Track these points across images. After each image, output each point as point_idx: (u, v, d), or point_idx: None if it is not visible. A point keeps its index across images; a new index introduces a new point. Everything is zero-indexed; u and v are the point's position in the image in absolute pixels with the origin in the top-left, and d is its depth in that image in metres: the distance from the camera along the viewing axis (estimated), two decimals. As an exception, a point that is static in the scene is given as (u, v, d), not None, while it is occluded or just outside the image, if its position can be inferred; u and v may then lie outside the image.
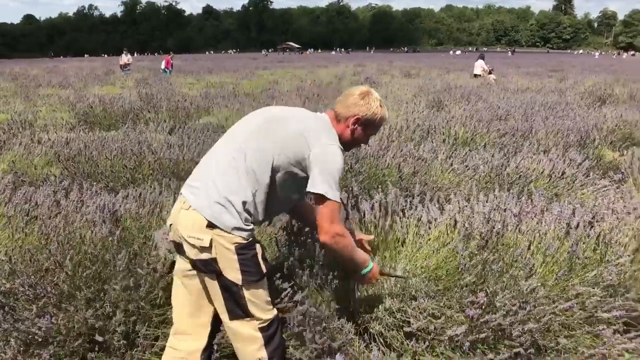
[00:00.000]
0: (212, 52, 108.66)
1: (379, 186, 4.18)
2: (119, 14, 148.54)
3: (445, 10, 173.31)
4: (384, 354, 2.72)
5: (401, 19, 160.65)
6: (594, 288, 2.72)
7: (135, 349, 2.69)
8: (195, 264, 2.19)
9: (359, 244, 2.63)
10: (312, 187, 2.16)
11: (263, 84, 17.95)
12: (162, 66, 26.08)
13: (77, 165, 5.22)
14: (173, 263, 3.20)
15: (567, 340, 2.61)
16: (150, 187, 3.92)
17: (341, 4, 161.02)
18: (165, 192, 3.88)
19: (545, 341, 2.62)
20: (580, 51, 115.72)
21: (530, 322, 2.48)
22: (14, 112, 9.80)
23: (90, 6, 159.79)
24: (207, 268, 2.17)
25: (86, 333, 2.64)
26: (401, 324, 2.80)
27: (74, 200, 3.50)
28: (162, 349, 2.69)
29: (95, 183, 5.04)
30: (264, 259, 2.24)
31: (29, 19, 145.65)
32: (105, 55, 78.38)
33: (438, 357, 2.62)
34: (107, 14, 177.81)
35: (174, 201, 3.87)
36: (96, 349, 2.59)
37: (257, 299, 2.21)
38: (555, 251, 2.81)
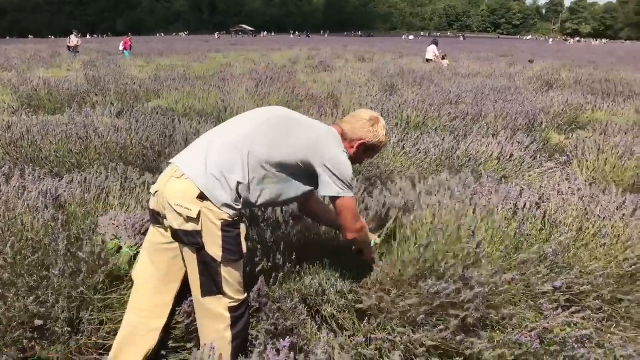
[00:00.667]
0: (163, 34, 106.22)
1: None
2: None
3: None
4: (336, 335, 2.73)
5: (355, 2, 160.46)
6: (538, 265, 2.80)
7: (80, 335, 2.61)
8: (177, 234, 2.17)
9: None
10: (329, 191, 2.26)
11: (215, 67, 17.63)
12: (120, 48, 25.67)
13: (19, 150, 5.01)
14: (119, 249, 3.15)
15: (511, 312, 2.68)
16: (97, 172, 3.79)
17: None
18: (111, 176, 3.76)
19: (491, 314, 2.67)
20: (529, 37, 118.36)
21: (477, 287, 2.51)
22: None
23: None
24: (188, 239, 2.15)
25: (27, 322, 2.55)
26: (353, 304, 2.82)
27: (15, 186, 3.35)
28: (109, 332, 2.64)
29: (38, 168, 4.90)
30: (246, 239, 2.26)
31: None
32: (52, 37, 75.48)
33: (390, 334, 2.64)
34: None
35: (121, 186, 3.81)
36: (38, 336, 2.50)
37: (231, 278, 2.21)
38: (503, 231, 2.86)
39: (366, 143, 2.44)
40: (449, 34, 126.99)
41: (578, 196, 3.31)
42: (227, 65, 18.54)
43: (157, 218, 2.27)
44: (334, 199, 2.30)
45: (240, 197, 2.18)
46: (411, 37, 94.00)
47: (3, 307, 2.50)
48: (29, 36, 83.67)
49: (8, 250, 2.72)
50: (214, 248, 2.14)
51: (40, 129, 5.35)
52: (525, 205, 3.13)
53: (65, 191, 3.33)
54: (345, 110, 7.29)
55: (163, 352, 2.52)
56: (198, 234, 2.12)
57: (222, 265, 2.15)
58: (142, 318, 2.35)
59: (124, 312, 2.52)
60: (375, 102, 8.42)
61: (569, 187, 3.42)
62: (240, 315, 2.27)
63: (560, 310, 2.67)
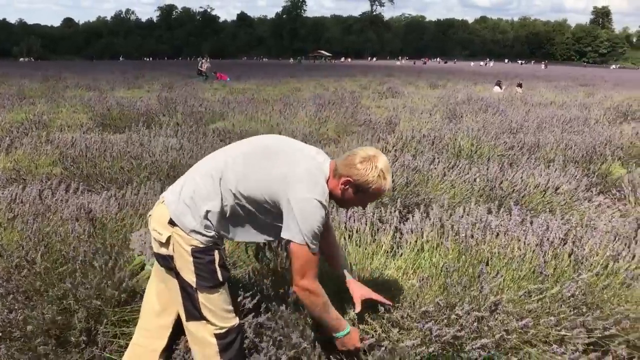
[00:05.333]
0: (245, 58, 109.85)
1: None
2: (155, 19, 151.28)
3: (479, 22, 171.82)
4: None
5: (434, 29, 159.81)
6: (558, 305, 2.68)
7: (95, 346, 2.73)
8: (157, 258, 2.25)
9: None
10: (285, 231, 2.13)
11: (285, 91, 18.05)
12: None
13: (77, 166, 5.32)
14: (144, 266, 3.28)
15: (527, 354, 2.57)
16: (136, 188, 3.98)
17: (374, 13, 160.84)
18: (149, 193, 3.93)
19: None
20: (614, 66, 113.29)
21: (484, 338, 2.44)
22: (35, 113, 10.01)
23: (127, 10, 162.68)
24: (165, 264, 2.21)
25: (48, 329, 2.69)
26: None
27: (56, 200, 3.57)
28: (120, 347, 2.75)
29: (93, 184, 5.18)
30: (222, 266, 2.22)
31: (68, 22, 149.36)
32: (150, 59, 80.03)
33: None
34: (144, 18, 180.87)
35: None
36: (56, 344, 2.64)
37: (211, 305, 2.20)
38: (519, 267, 2.76)
39: (352, 182, 2.18)
40: (532, 62, 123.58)
41: (612, 234, 3.14)
42: (297, 89, 18.92)
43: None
44: (288, 242, 2.14)
45: (212, 224, 2.15)
46: (491, 63, 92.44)
47: (31, 314, 2.65)
48: (120, 58, 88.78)
49: (39, 259, 2.91)
50: (188, 274, 2.16)
51: (99, 146, 5.66)
52: (551, 242, 3.00)
53: (101, 206, 3.49)
54: (399, 136, 7.25)
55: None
56: (171, 258, 2.16)
57: (197, 291, 2.17)
58: (146, 338, 2.41)
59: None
60: (435, 128, 8.35)
61: (605, 224, 3.25)
62: (230, 342, 2.24)
63: (577, 354, 2.54)
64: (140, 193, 3.93)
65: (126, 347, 2.54)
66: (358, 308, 2.53)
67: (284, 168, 2.15)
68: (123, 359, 2.48)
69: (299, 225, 2.07)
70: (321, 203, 2.12)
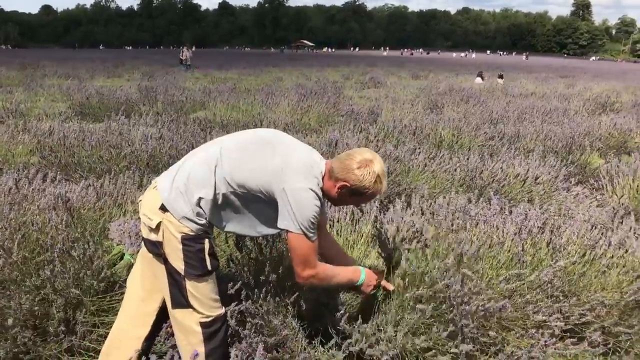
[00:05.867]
0: (227, 47, 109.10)
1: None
2: (135, 7, 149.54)
3: (461, 13, 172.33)
4: (328, 351, 2.71)
5: (417, 20, 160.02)
6: (536, 292, 2.71)
7: (74, 336, 2.70)
8: (146, 244, 2.22)
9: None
10: (282, 222, 2.14)
11: (267, 81, 17.97)
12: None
13: (55, 155, 5.24)
14: (123, 255, 3.25)
15: (504, 339, 2.61)
16: (114, 177, 3.93)
17: (357, 3, 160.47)
18: (128, 182, 3.89)
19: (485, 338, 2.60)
20: (594, 58, 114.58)
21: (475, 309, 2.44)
22: (12, 101, 9.84)
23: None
24: (153, 249, 2.19)
25: (26, 319, 2.65)
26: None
27: (33, 189, 3.52)
28: (100, 336, 2.73)
29: (71, 173, 5.12)
30: (212, 255, 2.21)
31: (46, 9, 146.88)
32: (131, 48, 79.14)
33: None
34: (124, 6, 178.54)
35: (139, 192, 3.94)
36: (34, 334, 2.60)
37: (198, 293, 2.19)
38: (498, 254, 2.79)
39: (349, 186, 2.20)
40: (513, 53, 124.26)
41: (590, 224, 3.18)
42: (279, 79, 18.84)
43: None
44: (286, 232, 2.16)
45: (204, 212, 2.14)
46: (474, 55, 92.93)
47: (8, 304, 2.62)
48: (100, 46, 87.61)
49: (15, 248, 2.86)
50: (177, 261, 2.14)
51: (77, 135, 5.58)
52: (530, 230, 3.03)
53: (79, 195, 3.45)
54: (381, 127, 7.27)
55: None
56: (160, 244, 2.14)
57: (185, 279, 2.16)
58: (129, 324, 2.38)
59: (115, 318, 2.59)
60: (415, 119, 8.37)
61: (582, 214, 3.29)
62: (215, 331, 2.24)
63: (553, 340, 2.58)
64: (119, 182, 3.89)
65: (106, 336, 2.51)
66: (391, 287, 2.61)
67: (279, 159, 2.15)
68: (104, 345, 2.44)
69: (295, 215, 2.09)
70: (316, 193, 2.14)
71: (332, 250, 2.60)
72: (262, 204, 2.19)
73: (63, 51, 56.38)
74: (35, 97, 11.66)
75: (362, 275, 2.43)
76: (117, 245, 3.30)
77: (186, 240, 2.12)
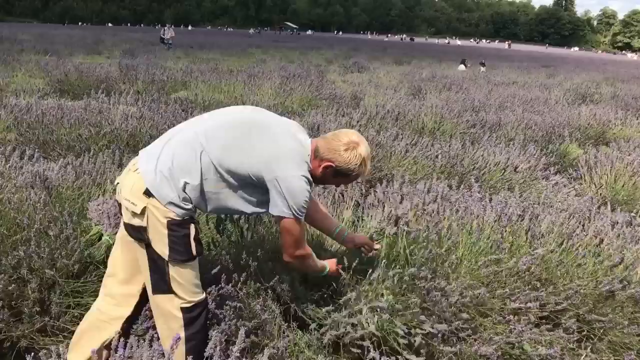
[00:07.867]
0: (209, 27, 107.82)
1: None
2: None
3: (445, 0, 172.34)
4: (304, 333, 2.73)
5: (401, 5, 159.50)
6: (514, 279, 2.75)
7: (47, 317, 2.67)
8: (127, 228, 2.17)
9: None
10: (273, 208, 2.16)
11: (250, 62, 17.82)
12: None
13: (33, 132, 5.15)
14: (101, 236, 3.21)
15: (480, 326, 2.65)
16: (93, 157, 3.88)
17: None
18: (107, 162, 3.84)
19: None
20: (575, 48, 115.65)
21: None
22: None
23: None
24: (135, 234, 2.15)
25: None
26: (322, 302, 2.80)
27: (10, 166, 3.45)
28: (75, 317, 2.70)
29: (49, 151, 5.03)
30: (197, 240, 2.19)
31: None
32: (111, 25, 77.72)
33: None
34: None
35: (119, 172, 3.89)
36: (7, 314, 2.57)
37: (181, 279, 2.17)
38: (477, 241, 2.81)
39: (334, 167, 2.24)
40: (496, 41, 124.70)
41: (568, 212, 3.22)
42: (262, 61, 18.69)
43: (120, 210, 2.26)
44: (277, 218, 2.20)
45: (191, 198, 2.12)
46: (459, 42, 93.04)
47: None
48: (79, 23, 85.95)
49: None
50: (161, 246, 2.12)
51: (56, 112, 5.48)
52: (509, 218, 3.06)
53: (57, 174, 3.40)
54: (364, 112, 7.25)
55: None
56: (144, 230, 2.10)
57: (169, 264, 2.13)
58: (109, 304, 2.35)
59: (92, 299, 2.56)
60: (398, 104, 8.37)
61: (561, 203, 3.33)
62: (195, 317, 2.23)
63: (530, 326, 2.62)
64: (99, 161, 3.83)
65: (81, 318, 2.47)
66: (377, 245, 2.79)
67: (269, 146, 2.16)
68: (81, 324, 2.40)
69: (288, 202, 2.12)
70: (308, 179, 2.18)
71: (318, 214, 2.67)
72: (251, 188, 2.20)
73: (42, 26, 55.19)
74: (12, 72, 11.40)
75: (326, 270, 2.57)
76: (96, 225, 3.25)
77: (172, 225, 2.10)
